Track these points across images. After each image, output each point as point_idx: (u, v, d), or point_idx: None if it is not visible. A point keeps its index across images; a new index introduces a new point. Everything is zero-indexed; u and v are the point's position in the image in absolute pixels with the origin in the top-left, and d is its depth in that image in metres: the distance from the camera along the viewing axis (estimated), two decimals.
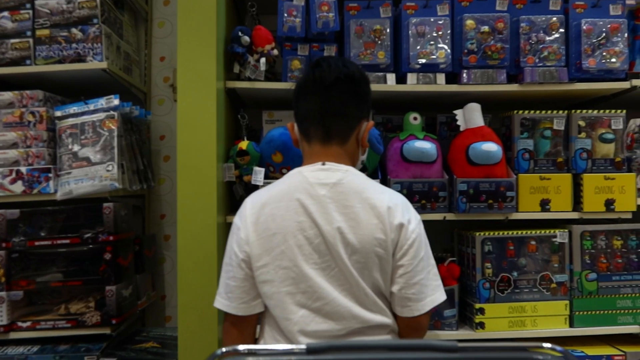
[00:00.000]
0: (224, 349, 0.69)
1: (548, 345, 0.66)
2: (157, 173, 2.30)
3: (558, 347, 0.66)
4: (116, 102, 1.79)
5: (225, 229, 1.68)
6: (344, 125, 1.26)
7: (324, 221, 1.17)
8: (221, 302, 1.23)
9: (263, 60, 1.79)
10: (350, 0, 1.83)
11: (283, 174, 1.75)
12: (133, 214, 2.10)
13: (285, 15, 1.77)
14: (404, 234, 1.19)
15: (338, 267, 1.17)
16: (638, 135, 1.91)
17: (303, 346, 0.66)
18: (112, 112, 1.78)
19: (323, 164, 1.23)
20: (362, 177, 1.26)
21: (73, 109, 1.81)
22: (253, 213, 1.22)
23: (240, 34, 1.76)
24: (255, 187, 1.68)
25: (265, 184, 1.68)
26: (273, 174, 1.77)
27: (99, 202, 1.81)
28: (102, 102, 1.79)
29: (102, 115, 1.77)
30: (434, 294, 1.23)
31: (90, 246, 1.79)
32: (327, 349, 0.67)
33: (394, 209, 1.19)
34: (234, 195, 1.85)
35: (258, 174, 1.73)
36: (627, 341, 1.86)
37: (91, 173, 1.73)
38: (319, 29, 1.78)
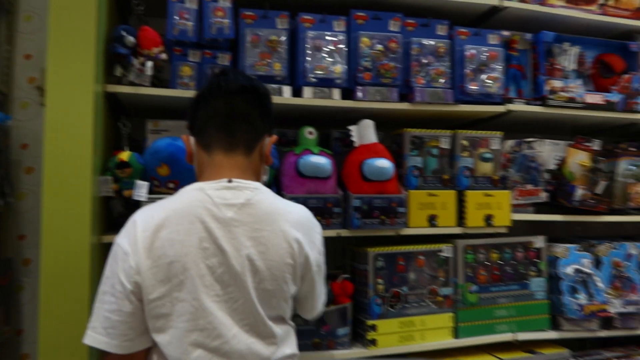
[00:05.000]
0: None
1: None
2: (16, 187, 2.00)
3: None
4: None
5: (100, 250, 1.49)
6: (249, 132, 1.18)
7: (231, 248, 1.05)
8: (97, 339, 1.04)
9: (149, 63, 1.63)
10: (246, 8, 1.76)
11: (170, 189, 1.61)
12: None
13: (176, 17, 1.65)
14: (309, 258, 1.16)
15: (244, 298, 1.06)
16: (512, 156, 2.08)
17: None
18: None
19: (229, 181, 1.12)
20: (272, 195, 1.17)
21: None
22: (146, 237, 1.05)
23: (123, 33, 1.60)
24: (137, 203, 1.51)
25: (150, 199, 1.53)
26: (158, 189, 1.62)
27: None
28: None
29: None
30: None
31: None
32: None
33: (300, 230, 1.16)
34: (110, 212, 1.66)
35: (141, 189, 1.56)
36: (504, 349, 1.98)
37: None
38: (212, 35, 1.68)
